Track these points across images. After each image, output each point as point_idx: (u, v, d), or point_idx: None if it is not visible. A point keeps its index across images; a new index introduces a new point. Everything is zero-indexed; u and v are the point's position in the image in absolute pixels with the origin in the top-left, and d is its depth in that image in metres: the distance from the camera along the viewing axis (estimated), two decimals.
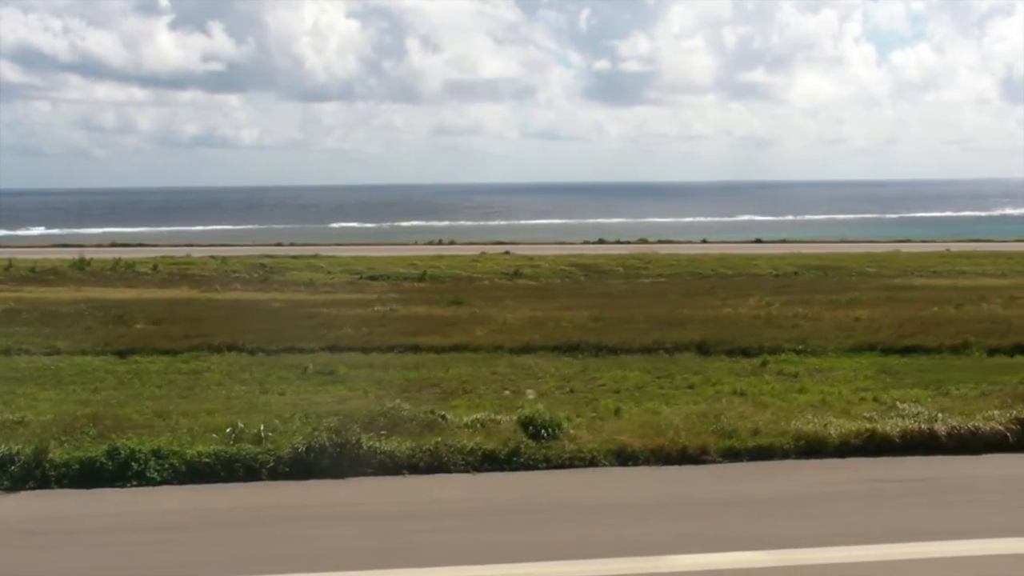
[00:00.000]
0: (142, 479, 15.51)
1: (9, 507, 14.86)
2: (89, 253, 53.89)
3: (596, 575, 12.28)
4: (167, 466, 15.72)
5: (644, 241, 69.75)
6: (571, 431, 17.26)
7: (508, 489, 15.69)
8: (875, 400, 19.99)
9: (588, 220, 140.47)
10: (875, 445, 17.11)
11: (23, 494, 15.28)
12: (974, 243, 65.45)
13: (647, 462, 16.59)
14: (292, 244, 67.68)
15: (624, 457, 16.65)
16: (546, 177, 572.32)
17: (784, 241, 70.73)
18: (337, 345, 26.56)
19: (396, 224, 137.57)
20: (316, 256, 54.68)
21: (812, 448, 17.05)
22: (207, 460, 15.85)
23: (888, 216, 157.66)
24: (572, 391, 21.73)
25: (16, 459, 15.64)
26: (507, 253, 57.29)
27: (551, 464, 16.47)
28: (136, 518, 14.32)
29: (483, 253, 57.36)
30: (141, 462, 15.59)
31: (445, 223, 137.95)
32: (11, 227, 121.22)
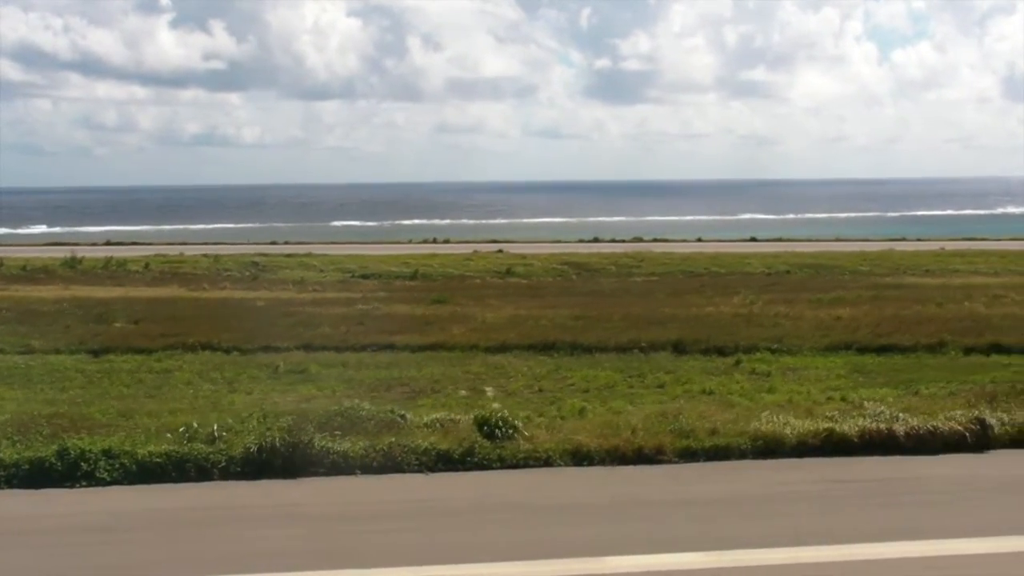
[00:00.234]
0: (92, 479, 15.42)
1: None
2: (83, 252, 53.93)
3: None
4: (117, 466, 15.61)
5: (639, 240, 69.53)
6: (528, 431, 17.16)
7: (461, 489, 15.61)
8: (843, 400, 19.92)
9: (589, 219, 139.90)
10: (833, 445, 17.00)
11: None
12: (969, 242, 65.13)
13: (602, 462, 16.50)
14: (287, 243, 67.65)
15: (580, 457, 16.55)
16: (547, 175, 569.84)
17: (779, 239, 70.42)
18: (312, 344, 26.57)
19: (397, 223, 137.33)
20: (309, 255, 54.76)
21: (769, 448, 16.93)
22: (158, 460, 15.76)
23: (889, 214, 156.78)
24: (541, 390, 21.73)
25: None
26: (500, 252, 56.98)
27: (505, 464, 16.37)
28: (85, 518, 14.23)
29: (476, 252, 57.21)
30: (91, 462, 15.50)
31: (446, 221, 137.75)
32: (12, 225, 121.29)
